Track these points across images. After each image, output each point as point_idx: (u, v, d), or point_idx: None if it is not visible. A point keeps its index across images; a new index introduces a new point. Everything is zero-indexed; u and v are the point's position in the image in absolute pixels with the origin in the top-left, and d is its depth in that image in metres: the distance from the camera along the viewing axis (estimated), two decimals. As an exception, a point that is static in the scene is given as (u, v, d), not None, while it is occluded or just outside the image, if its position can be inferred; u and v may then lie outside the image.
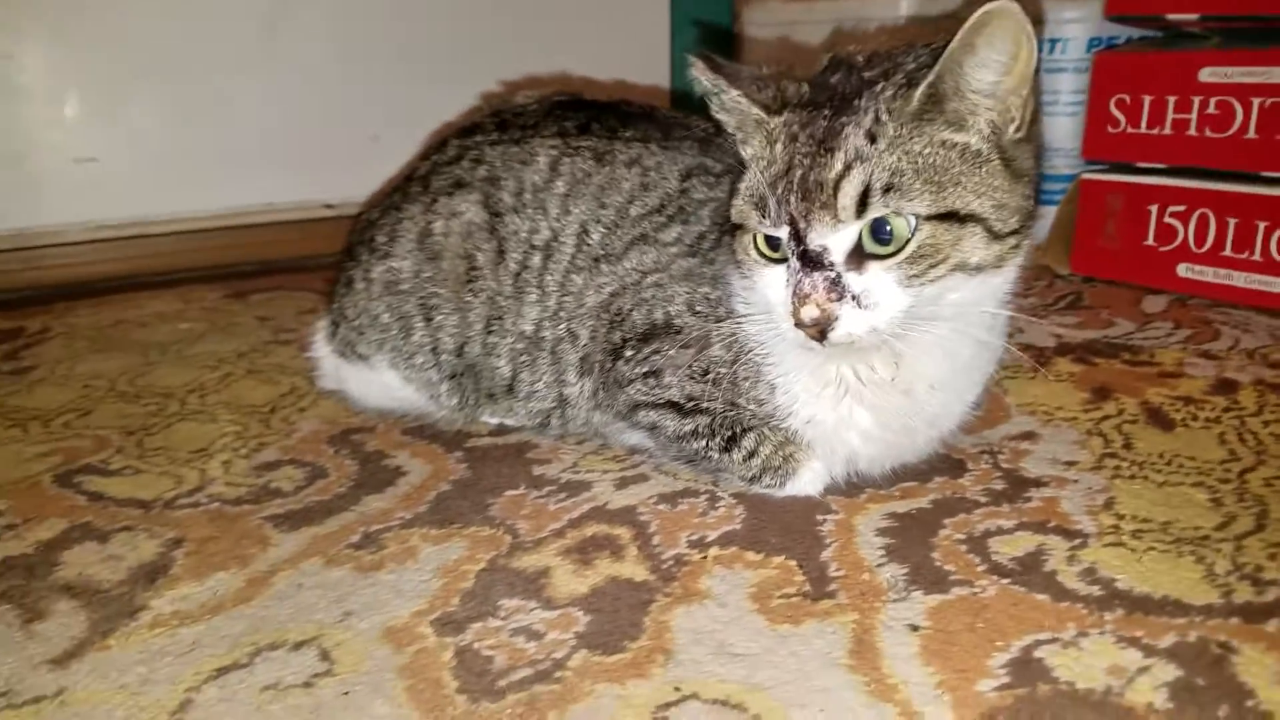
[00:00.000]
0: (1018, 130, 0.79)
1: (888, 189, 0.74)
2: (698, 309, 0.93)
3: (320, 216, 1.90)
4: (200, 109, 1.77)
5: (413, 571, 0.82)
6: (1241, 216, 1.44)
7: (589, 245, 1.01)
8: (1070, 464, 0.97)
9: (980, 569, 0.78)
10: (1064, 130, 1.76)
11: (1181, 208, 1.51)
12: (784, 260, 0.78)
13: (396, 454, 1.07)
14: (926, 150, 0.75)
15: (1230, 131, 1.44)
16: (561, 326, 1.01)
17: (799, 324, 0.76)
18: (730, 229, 0.84)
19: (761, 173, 0.79)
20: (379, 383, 1.13)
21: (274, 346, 1.45)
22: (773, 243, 0.79)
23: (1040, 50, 0.76)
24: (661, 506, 0.91)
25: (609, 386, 0.99)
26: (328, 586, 0.80)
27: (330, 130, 1.86)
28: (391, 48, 1.86)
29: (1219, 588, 0.74)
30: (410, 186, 1.13)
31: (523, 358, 1.04)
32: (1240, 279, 1.45)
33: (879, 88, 0.78)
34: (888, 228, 0.74)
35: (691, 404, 0.94)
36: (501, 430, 1.12)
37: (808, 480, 0.92)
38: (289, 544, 0.88)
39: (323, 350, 1.18)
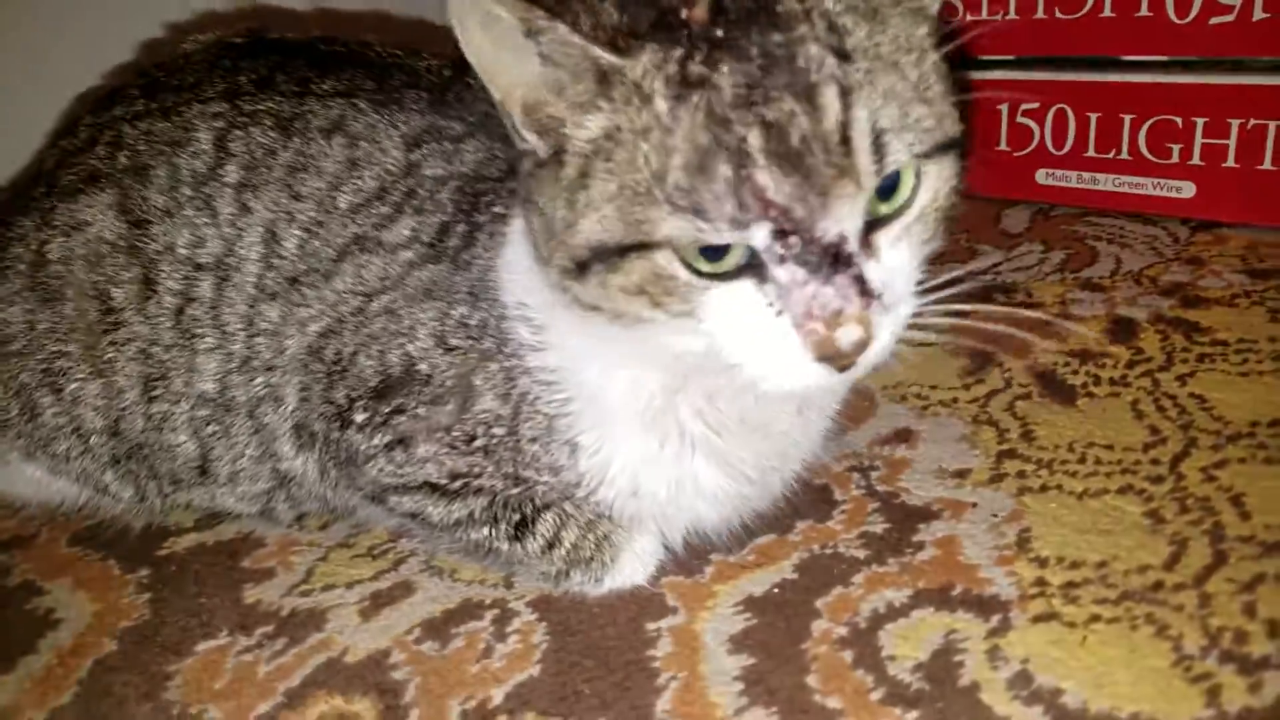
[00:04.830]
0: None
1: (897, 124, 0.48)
2: (452, 342, 0.64)
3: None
4: None
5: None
6: (1104, 110, 1.24)
7: (282, 258, 0.69)
8: (962, 475, 0.75)
9: (875, 697, 0.55)
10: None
11: (1035, 105, 1.30)
12: (732, 274, 0.50)
13: (52, 585, 0.75)
14: (897, 55, 0.50)
15: (1083, 11, 1.23)
16: (257, 381, 0.70)
17: (825, 357, 0.49)
18: (595, 258, 0.51)
19: (660, 153, 0.48)
20: (21, 478, 0.79)
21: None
22: (713, 252, 0.49)
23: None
24: (426, 645, 0.63)
25: (342, 464, 0.69)
26: None
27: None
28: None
29: (1198, 684, 0.53)
30: (33, 190, 0.77)
31: (210, 428, 0.72)
32: (1107, 182, 1.26)
33: None
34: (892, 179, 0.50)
35: (459, 483, 0.65)
36: (214, 516, 0.81)
37: (632, 570, 0.66)
38: None
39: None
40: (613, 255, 0.50)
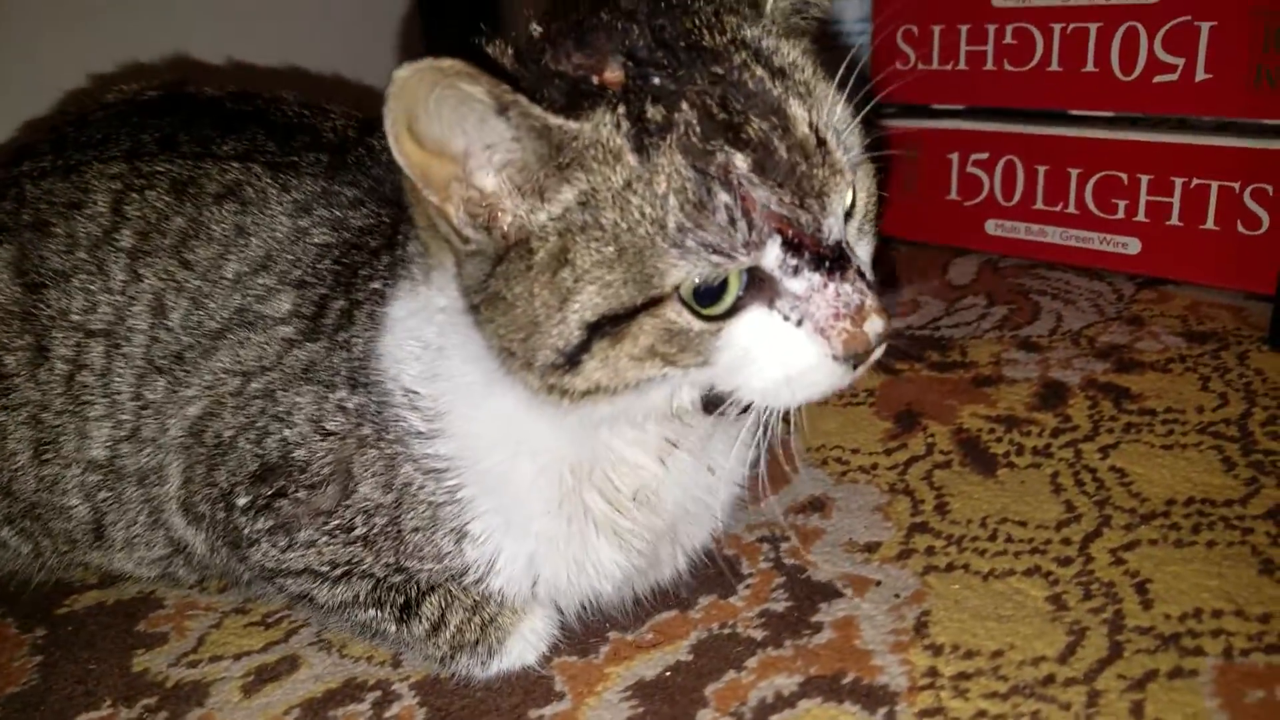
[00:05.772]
0: None
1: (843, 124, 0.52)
2: (328, 427, 0.62)
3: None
4: None
5: None
6: (1051, 163, 1.24)
7: (169, 330, 0.68)
8: (871, 550, 0.74)
9: (747, 800, 0.53)
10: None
11: (985, 155, 1.30)
12: (735, 309, 0.49)
13: (-55, 646, 0.73)
14: (815, 69, 0.53)
15: (1031, 64, 1.23)
16: (145, 451, 0.68)
17: (852, 354, 0.50)
18: (594, 334, 0.49)
19: (652, 201, 0.47)
20: (-80, 535, 0.78)
21: None
22: (709, 294, 0.49)
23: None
24: (301, 729, 0.62)
25: (230, 545, 0.67)
26: None
27: None
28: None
29: (1074, 795, 0.52)
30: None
31: (103, 494, 0.71)
32: (1055, 235, 1.26)
33: (707, 13, 0.52)
34: None
35: (340, 570, 0.64)
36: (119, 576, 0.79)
37: (520, 652, 0.65)
38: None
39: None
40: (616, 323, 0.49)
